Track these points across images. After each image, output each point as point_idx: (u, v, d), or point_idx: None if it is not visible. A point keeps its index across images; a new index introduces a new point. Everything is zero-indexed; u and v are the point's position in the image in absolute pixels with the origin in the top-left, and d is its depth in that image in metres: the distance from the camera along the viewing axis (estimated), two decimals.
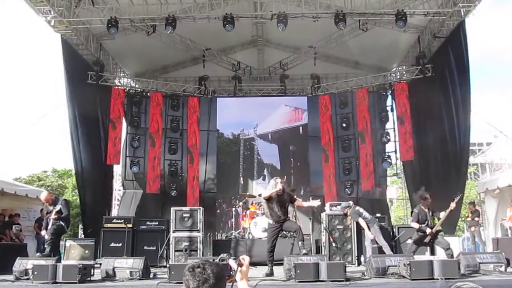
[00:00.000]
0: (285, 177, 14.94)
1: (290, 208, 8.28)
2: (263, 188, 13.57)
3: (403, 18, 11.55)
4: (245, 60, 16.05)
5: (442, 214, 7.89)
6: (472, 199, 16.83)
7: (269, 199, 7.74)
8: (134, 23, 12.53)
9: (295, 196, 8.34)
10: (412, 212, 8.41)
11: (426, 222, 7.85)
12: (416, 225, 7.97)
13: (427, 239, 7.86)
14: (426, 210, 7.95)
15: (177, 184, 14.90)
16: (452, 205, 7.77)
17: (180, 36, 14.11)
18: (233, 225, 12.35)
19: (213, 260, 2.25)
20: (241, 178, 14.59)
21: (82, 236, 14.05)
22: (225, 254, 2.37)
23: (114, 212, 15.85)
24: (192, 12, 12.14)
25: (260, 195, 8.18)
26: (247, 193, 13.12)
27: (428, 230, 7.77)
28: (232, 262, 2.44)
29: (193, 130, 15.13)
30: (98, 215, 12.43)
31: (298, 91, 16.51)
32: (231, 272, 2.38)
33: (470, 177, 27.22)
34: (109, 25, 11.77)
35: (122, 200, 15.34)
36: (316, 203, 8.18)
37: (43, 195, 9.05)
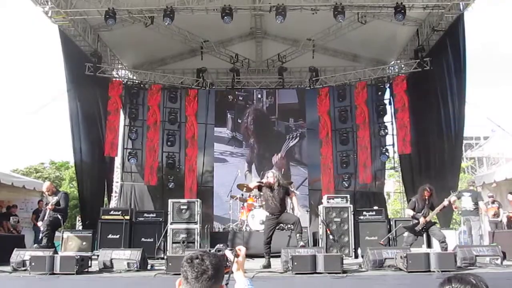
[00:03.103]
0: (283, 170, 14.99)
1: (288, 201, 8.30)
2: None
3: (402, 11, 11.52)
4: (243, 53, 15.99)
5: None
6: None
7: (260, 189, 7.85)
8: (132, 15, 12.47)
9: (292, 189, 8.38)
10: (409, 200, 8.58)
11: (422, 212, 7.96)
12: (410, 212, 8.16)
13: (418, 227, 7.95)
14: (425, 201, 8.04)
15: (175, 176, 14.92)
16: (445, 201, 7.93)
17: (178, 27, 14.04)
18: (231, 217, 12.37)
19: (210, 251, 2.24)
20: (239, 171, 14.56)
21: (80, 227, 14.07)
22: (221, 245, 2.34)
23: (112, 204, 15.87)
24: (190, 4, 12.08)
25: (257, 187, 8.19)
26: (245, 185, 13.11)
27: (421, 219, 7.87)
28: (228, 253, 2.44)
29: (191, 122, 15.13)
30: (96, 207, 12.45)
31: (296, 84, 16.48)
32: (227, 263, 2.38)
33: (467, 170, 27.30)
34: (107, 16, 11.70)
35: (120, 192, 15.35)
36: (301, 212, 8.33)
37: (45, 184, 9.11)
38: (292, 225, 8.02)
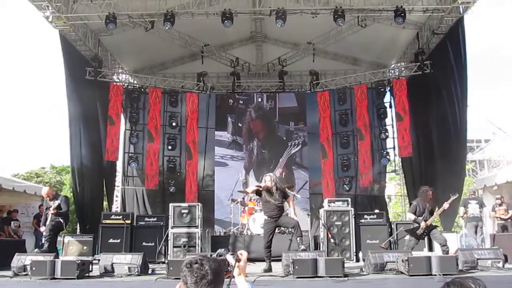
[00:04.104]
0: (283, 173, 15.00)
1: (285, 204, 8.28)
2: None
3: (402, 14, 11.53)
4: (243, 56, 16.02)
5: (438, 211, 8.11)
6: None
7: (258, 194, 7.86)
8: (133, 19, 12.49)
9: (292, 193, 8.37)
10: (410, 204, 8.57)
11: (423, 216, 7.94)
12: (412, 216, 8.11)
13: (419, 230, 7.94)
14: (426, 205, 8.03)
15: (176, 180, 14.90)
16: (445, 205, 7.91)
17: (179, 32, 14.07)
18: (232, 221, 12.36)
19: (211, 255, 2.24)
20: (240, 174, 14.57)
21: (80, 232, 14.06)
22: (223, 249, 2.35)
23: (113, 209, 15.87)
24: (191, 8, 12.10)
25: (255, 192, 8.18)
26: (246, 189, 13.11)
27: (422, 223, 7.86)
28: (229, 257, 2.43)
29: (191, 126, 15.11)
30: (96, 211, 12.44)
31: (296, 88, 16.49)
32: (228, 268, 2.37)
33: (468, 173, 27.27)
34: (107, 20, 11.72)
35: (121, 197, 15.35)
36: (297, 217, 8.27)
37: (45, 189, 9.10)
38: (292, 229, 8.02)
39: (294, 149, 15.45)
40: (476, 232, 10.88)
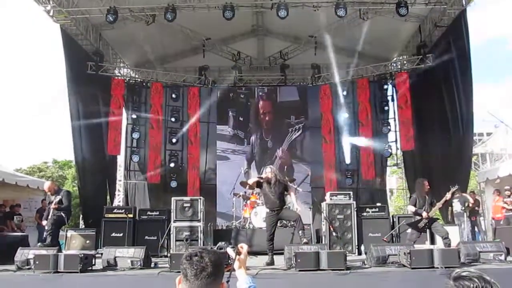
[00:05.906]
0: (285, 167, 14.98)
1: (287, 198, 8.29)
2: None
3: (404, 7, 11.47)
4: (245, 50, 15.97)
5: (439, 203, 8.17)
6: (472, 188, 16.84)
7: (259, 186, 7.88)
8: (134, 13, 12.46)
9: (294, 186, 8.41)
10: (410, 197, 8.62)
11: (424, 208, 7.95)
12: (412, 208, 8.15)
13: (421, 223, 7.95)
14: (425, 197, 8.04)
15: (178, 174, 14.93)
16: (448, 195, 7.93)
17: (180, 25, 14.01)
18: (234, 215, 12.39)
19: (211, 248, 2.24)
20: (242, 168, 14.57)
21: (83, 226, 14.11)
22: (223, 243, 2.35)
23: (115, 203, 15.90)
24: (192, 1, 12.08)
25: (256, 183, 8.20)
26: (247, 181, 13.11)
27: (424, 213, 7.87)
28: (230, 251, 2.43)
29: (193, 120, 15.12)
30: (99, 205, 12.47)
31: (298, 81, 16.44)
32: (229, 261, 2.37)
33: None
34: (108, 14, 11.70)
35: (123, 191, 15.39)
36: (300, 208, 8.31)
37: (47, 184, 9.15)
38: (293, 223, 8.04)
39: (295, 134, 15.42)
40: (459, 225, 11.41)
